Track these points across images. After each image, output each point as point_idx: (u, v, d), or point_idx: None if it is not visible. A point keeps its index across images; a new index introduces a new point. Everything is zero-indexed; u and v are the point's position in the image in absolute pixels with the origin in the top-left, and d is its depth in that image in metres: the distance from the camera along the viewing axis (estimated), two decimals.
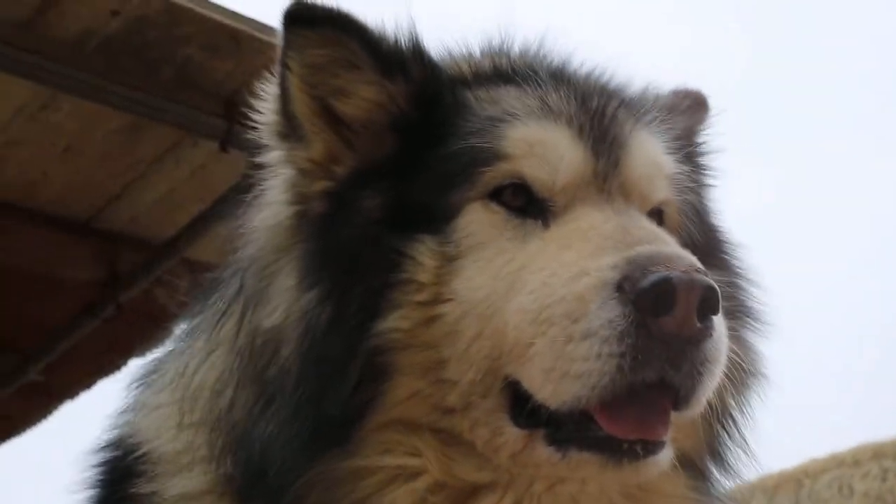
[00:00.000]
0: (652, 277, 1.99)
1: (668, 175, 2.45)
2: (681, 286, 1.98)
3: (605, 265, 2.06)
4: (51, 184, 6.75)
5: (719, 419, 2.43)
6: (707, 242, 2.55)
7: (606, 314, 2.01)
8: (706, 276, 2.03)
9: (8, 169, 6.62)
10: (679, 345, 2.01)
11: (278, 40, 2.38)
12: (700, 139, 2.78)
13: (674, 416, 2.13)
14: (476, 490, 2.26)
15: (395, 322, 2.18)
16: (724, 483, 2.52)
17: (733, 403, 2.45)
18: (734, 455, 2.50)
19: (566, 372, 2.04)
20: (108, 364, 7.88)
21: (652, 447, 2.09)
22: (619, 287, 2.02)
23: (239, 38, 5.67)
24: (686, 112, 2.75)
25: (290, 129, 2.38)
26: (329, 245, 2.27)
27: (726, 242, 2.66)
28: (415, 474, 2.23)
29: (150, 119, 6.09)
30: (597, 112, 2.38)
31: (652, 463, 2.12)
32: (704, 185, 2.69)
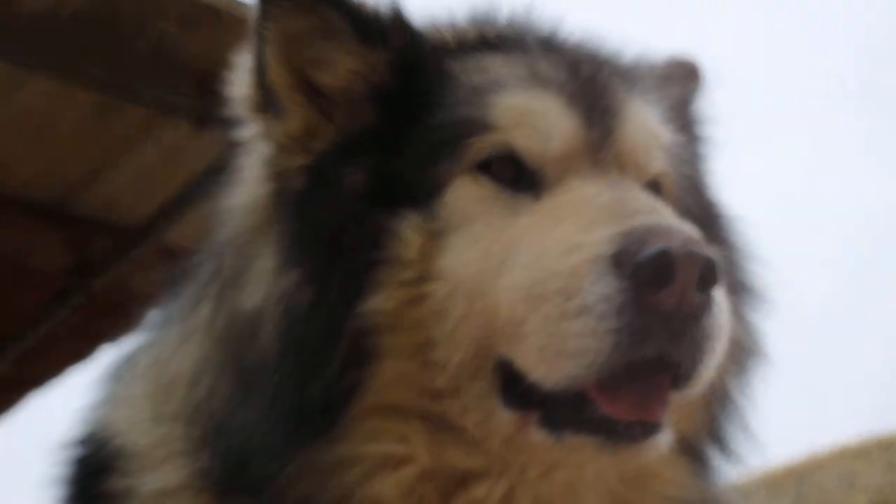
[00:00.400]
0: (649, 250, 1.95)
1: (665, 145, 2.41)
2: (679, 259, 1.94)
3: (599, 239, 2.02)
4: (20, 168, 6.69)
5: (719, 401, 2.41)
6: (704, 216, 2.50)
7: (602, 289, 1.98)
8: (705, 247, 2.00)
9: None
10: (678, 320, 1.98)
11: (253, 10, 2.34)
12: (696, 109, 2.74)
13: (673, 396, 2.10)
14: (467, 477, 2.22)
15: (379, 302, 2.14)
16: (727, 469, 2.49)
17: (733, 384, 2.42)
18: (735, 439, 2.47)
19: (561, 350, 2.01)
20: (79, 353, 7.84)
21: (650, 428, 2.06)
22: (615, 261, 1.98)
23: (219, 14, 5.63)
24: (680, 82, 2.71)
25: (266, 102, 2.34)
26: (309, 223, 2.22)
27: (724, 216, 2.63)
28: (403, 462, 2.19)
29: (123, 100, 6.04)
30: (588, 80, 2.34)
31: (651, 445, 2.08)
32: (701, 156, 2.66)
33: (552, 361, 2.02)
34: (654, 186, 2.37)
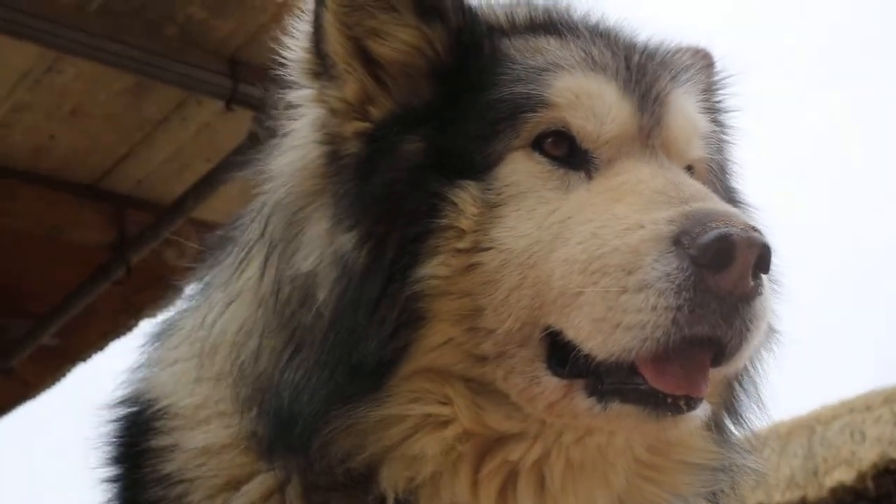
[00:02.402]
0: (712, 233, 1.96)
1: (703, 134, 2.43)
2: (740, 243, 1.96)
3: (660, 219, 2.02)
4: (57, 147, 6.64)
5: (738, 377, 2.41)
6: (727, 201, 2.44)
7: (663, 267, 1.98)
8: (762, 234, 2.00)
9: (14, 134, 6.47)
10: (732, 301, 1.99)
11: None
12: (719, 98, 2.72)
13: (712, 372, 2.09)
14: (504, 440, 2.20)
15: (433, 269, 2.11)
16: (736, 434, 2.50)
17: (751, 360, 2.41)
18: (749, 411, 2.48)
19: (618, 323, 2.00)
20: (120, 326, 7.84)
21: (693, 402, 2.06)
22: (677, 241, 1.98)
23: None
24: (702, 70, 2.69)
25: (321, 68, 2.29)
26: (367, 188, 2.17)
27: (743, 203, 2.63)
28: (444, 423, 2.16)
29: (155, 79, 5.99)
30: (639, 69, 2.34)
31: (690, 418, 2.09)
32: (724, 143, 2.65)
33: (608, 333, 2.01)
34: (688, 171, 2.36)
